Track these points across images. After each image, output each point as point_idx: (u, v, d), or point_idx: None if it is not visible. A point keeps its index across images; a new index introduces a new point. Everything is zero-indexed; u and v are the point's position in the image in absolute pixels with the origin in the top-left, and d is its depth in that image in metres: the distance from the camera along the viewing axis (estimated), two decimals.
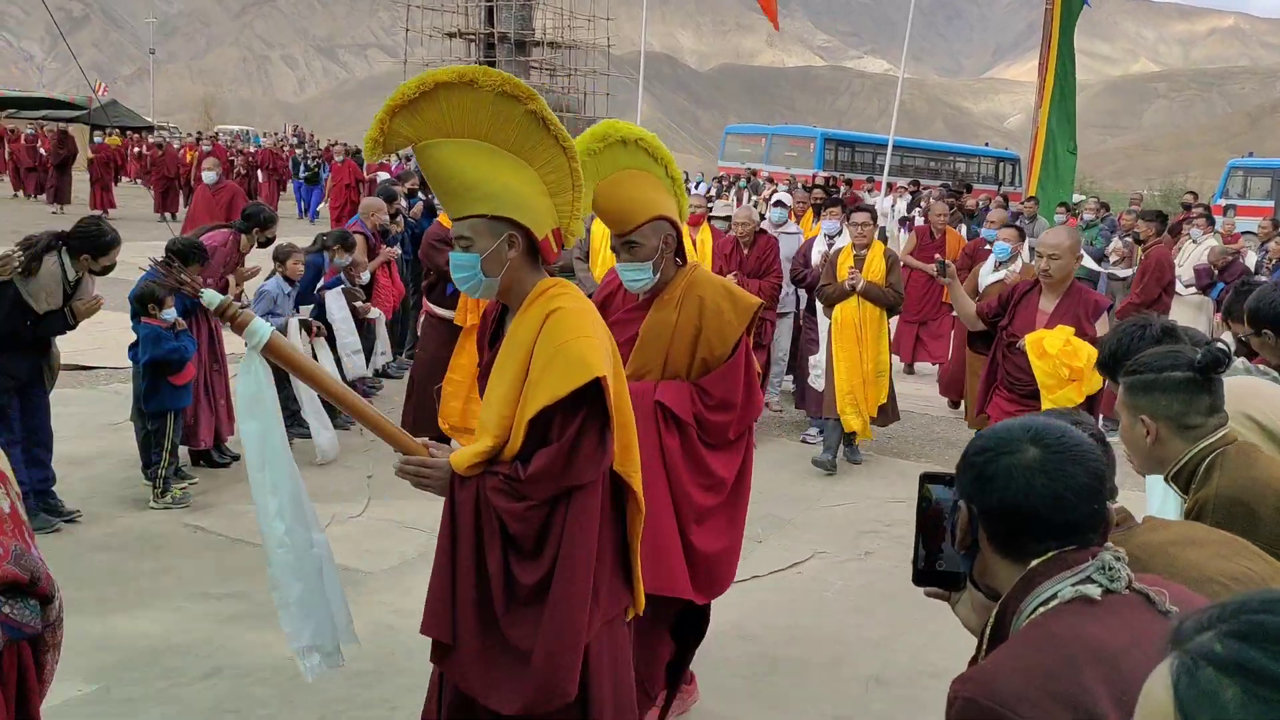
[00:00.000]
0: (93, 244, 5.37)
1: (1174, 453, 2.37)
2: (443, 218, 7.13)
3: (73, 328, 5.44)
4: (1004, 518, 1.59)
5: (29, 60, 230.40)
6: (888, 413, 7.46)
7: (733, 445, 3.60)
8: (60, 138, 23.65)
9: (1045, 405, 4.82)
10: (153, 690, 3.87)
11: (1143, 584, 1.54)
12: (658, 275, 3.51)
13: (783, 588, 5.32)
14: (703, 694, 4.17)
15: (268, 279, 6.96)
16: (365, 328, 8.03)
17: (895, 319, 8.20)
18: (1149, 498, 2.79)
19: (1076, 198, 18.77)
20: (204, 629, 4.42)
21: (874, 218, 7.44)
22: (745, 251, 7.82)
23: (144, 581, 4.88)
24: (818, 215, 9.18)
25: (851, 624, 4.90)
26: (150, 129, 32.32)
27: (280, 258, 6.93)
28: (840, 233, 8.15)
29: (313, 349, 6.90)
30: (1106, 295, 7.91)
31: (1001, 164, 39.34)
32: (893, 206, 21.93)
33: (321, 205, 24.25)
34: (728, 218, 8.48)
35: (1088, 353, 4.81)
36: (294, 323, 6.82)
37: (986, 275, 7.96)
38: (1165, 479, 2.43)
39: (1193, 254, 10.76)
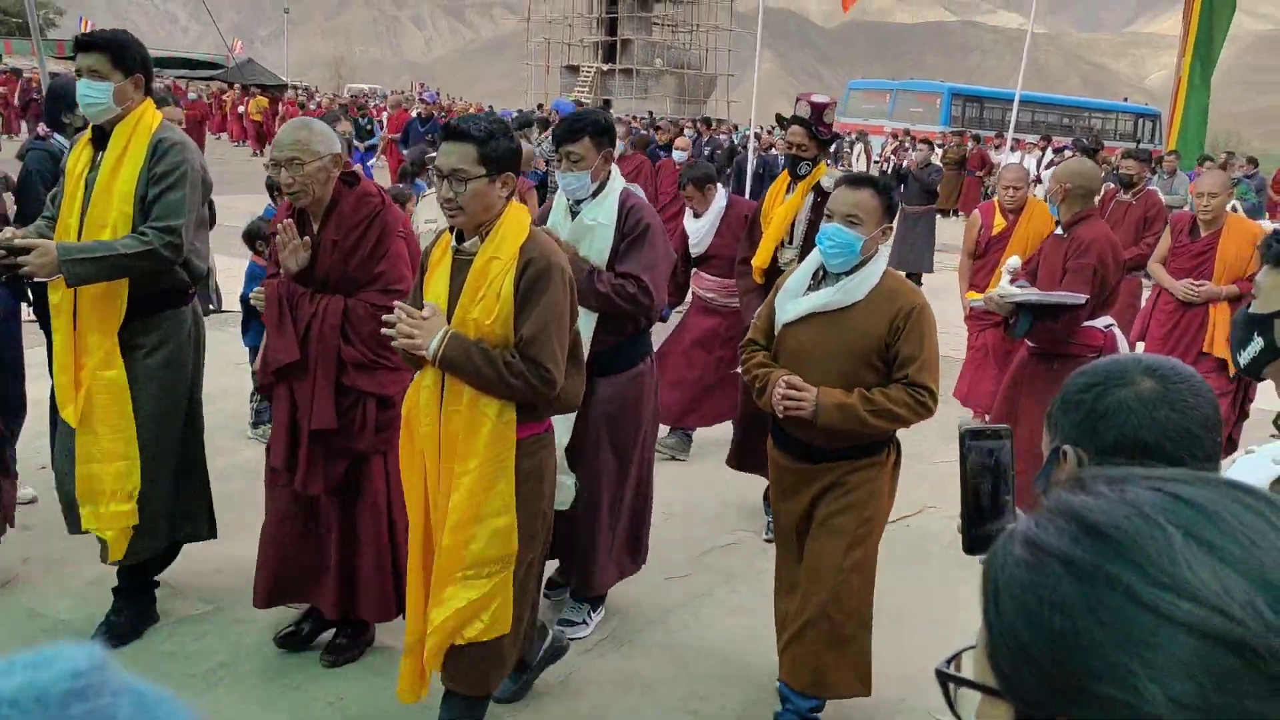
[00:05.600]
0: None
1: None
2: None
3: None
4: (1124, 458, 1.39)
5: (173, 22, 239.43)
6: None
7: None
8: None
9: None
10: (264, 611, 4.02)
11: None
12: None
13: (887, 540, 5.21)
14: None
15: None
16: None
17: None
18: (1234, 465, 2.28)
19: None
20: None
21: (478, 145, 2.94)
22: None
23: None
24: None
25: (958, 579, 4.80)
26: (284, 88, 33.27)
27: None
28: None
29: None
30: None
31: (1140, 120, 37.64)
32: (1020, 162, 21.14)
33: (374, 161, 21.06)
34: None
35: None
36: None
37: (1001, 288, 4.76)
38: None
39: None
